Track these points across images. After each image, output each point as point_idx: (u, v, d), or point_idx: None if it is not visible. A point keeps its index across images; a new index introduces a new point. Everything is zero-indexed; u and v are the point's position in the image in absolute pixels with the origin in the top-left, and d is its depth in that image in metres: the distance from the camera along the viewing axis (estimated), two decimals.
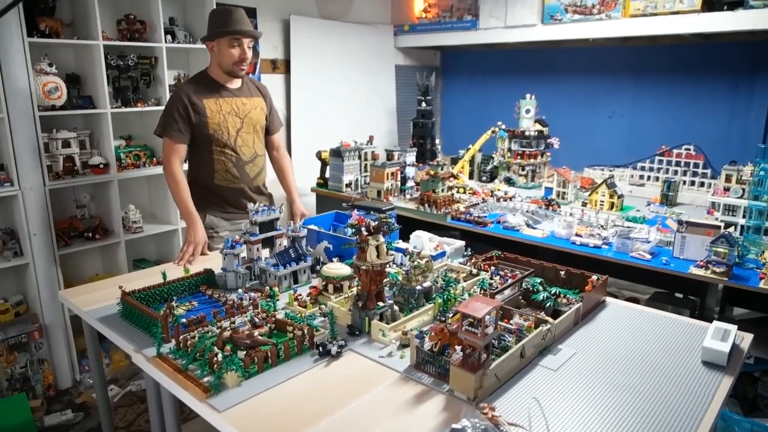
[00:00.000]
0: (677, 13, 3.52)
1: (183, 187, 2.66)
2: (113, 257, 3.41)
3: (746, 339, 1.78)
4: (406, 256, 2.16)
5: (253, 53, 4.00)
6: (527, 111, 4.11)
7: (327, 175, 4.01)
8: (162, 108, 3.38)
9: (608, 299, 2.11)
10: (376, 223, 1.80)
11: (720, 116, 3.91)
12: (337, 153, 3.80)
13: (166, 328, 1.76)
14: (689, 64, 4.01)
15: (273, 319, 1.83)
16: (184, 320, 1.81)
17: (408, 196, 3.71)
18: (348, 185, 3.84)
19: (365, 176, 3.90)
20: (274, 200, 3.10)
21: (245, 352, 1.62)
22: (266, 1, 4.19)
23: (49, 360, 3.09)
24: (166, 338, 1.75)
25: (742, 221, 2.87)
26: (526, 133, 4.05)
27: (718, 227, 2.51)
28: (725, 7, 3.39)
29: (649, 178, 4.02)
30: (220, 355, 1.56)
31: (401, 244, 2.50)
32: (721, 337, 1.67)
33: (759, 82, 3.72)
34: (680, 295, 3.38)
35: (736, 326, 1.74)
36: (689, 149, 3.82)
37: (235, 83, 2.81)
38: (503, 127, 4.17)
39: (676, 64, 4.07)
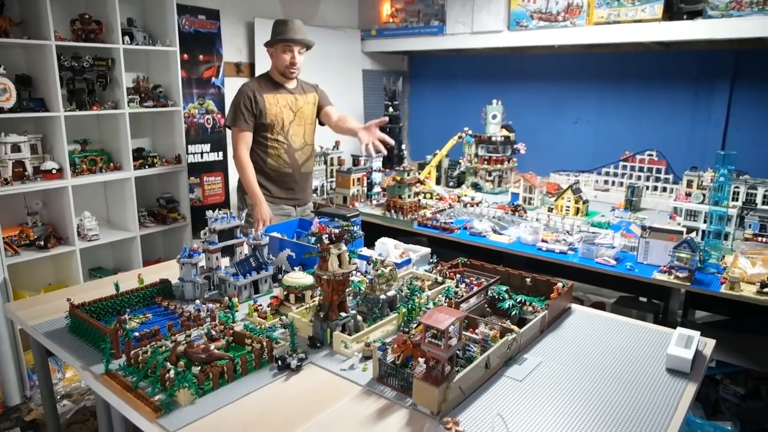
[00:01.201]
0: (639, 21, 3.57)
1: (249, 170, 3.09)
2: (67, 266, 3.26)
3: (708, 345, 1.78)
4: (369, 264, 2.11)
5: (217, 56, 3.94)
6: (494, 116, 4.12)
7: None
8: (121, 111, 3.32)
9: (574, 306, 2.10)
10: (338, 231, 1.75)
11: (681, 123, 3.98)
12: None
13: (116, 343, 1.67)
14: (651, 71, 4.07)
15: (231, 331, 1.76)
16: (136, 334, 1.73)
17: (375, 202, 3.66)
18: (314, 191, 3.77)
19: (331, 182, 3.84)
20: (312, 192, 3.49)
21: (200, 367, 1.54)
22: (230, 3, 4.10)
23: None
24: (116, 354, 1.66)
25: (703, 226, 2.91)
26: (493, 139, 4.05)
27: (681, 232, 2.54)
28: (685, 17, 3.45)
29: (613, 183, 4.06)
30: (172, 372, 1.48)
31: (366, 251, 2.45)
32: (684, 343, 1.67)
33: (718, 90, 3.79)
34: (645, 299, 3.41)
35: (698, 333, 1.74)
36: (652, 155, 3.87)
37: (292, 83, 3.25)
38: (470, 132, 4.16)
39: (639, 71, 4.13)
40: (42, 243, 3.10)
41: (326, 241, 1.72)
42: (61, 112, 3.04)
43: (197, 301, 2.01)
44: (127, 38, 3.31)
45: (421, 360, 1.44)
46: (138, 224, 3.48)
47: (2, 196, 2.93)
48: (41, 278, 3.32)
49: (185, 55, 3.78)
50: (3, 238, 2.94)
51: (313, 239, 1.78)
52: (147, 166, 3.53)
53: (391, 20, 5.09)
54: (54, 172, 3.08)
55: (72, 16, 3.16)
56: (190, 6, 3.80)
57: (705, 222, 2.89)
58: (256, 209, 3.05)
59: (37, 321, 1.97)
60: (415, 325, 1.71)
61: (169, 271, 2.32)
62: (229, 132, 3.45)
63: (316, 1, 4.84)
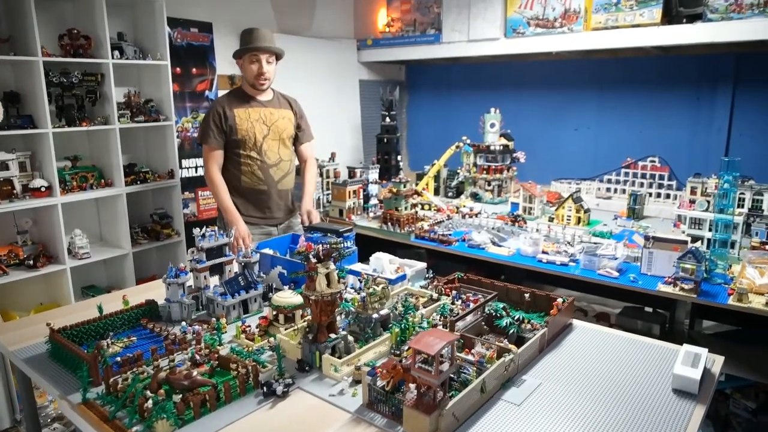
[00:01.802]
0: (638, 26, 3.50)
1: (222, 188, 2.96)
2: (59, 285, 3.20)
3: (717, 362, 1.70)
4: (360, 282, 2.03)
5: (210, 69, 3.90)
6: (492, 125, 4.05)
7: None
8: (111, 127, 3.27)
9: (575, 322, 2.02)
10: (326, 249, 1.68)
11: (683, 128, 3.91)
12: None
13: (95, 370, 1.59)
14: (651, 76, 4.00)
15: (216, 355, 1.68)
16: (118, 359, 1.66)
17: (371, 215, 3.59)
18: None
19: (327, 194, 3.77)
20: (294, 210, 3.27)
21: (181, 395, 1.47)
22: (223, 15, 4.05)
23: None
24: (94, 381, 1.59)
25: (708, 234, 2.83)
26: (492, 148, 3.99)
27: (685, 242, 2.46)
28: (684, 20, 3.39)
29: (615, 190, 3.99)
30: (150, 402, 1.41)
31: (360, 267, 2.37)
32: (691, 362, 1.59)
33: (720, 94, 3.72)
34: (650, 310, 3.33)
35: (706, 350, 1.65)
36: (654, 161, 3.80)
37: (266, 96, 3.10)
38: (468, 141, 4.10)
39: (639, 76, 4.06)
40: (31, 262, 3.04)
41: (313, 260, 1.65)
42: (49, 129, 2.99)
43: (183, 323, 1.94)
44: (117, 53, 3.26)
45: (412, 386, 1.36)
46: (131, 241, 3.41)
47: None
48: (32, 298, 3.26)
49: (177, 69, 3.73)
50: None
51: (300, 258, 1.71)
52: (139, 182, 3.47)
53: (387, 30, 5.05)
54: (43, 189, 3.03)
55: (60, 32, 3.11)
56: (182, 19, 3.76)
57: (710, 230, 2.81)
58: (235, 226, 2.89)
59: (18, 346, 1.89)
60: (407, 348, 1.63)
61: (159, 290, 2.24)
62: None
63: (311, 11, 4.80)
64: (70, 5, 3.26)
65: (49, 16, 3.13)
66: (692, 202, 3.00)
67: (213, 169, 2.96)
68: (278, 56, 3.05)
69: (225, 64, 4.14)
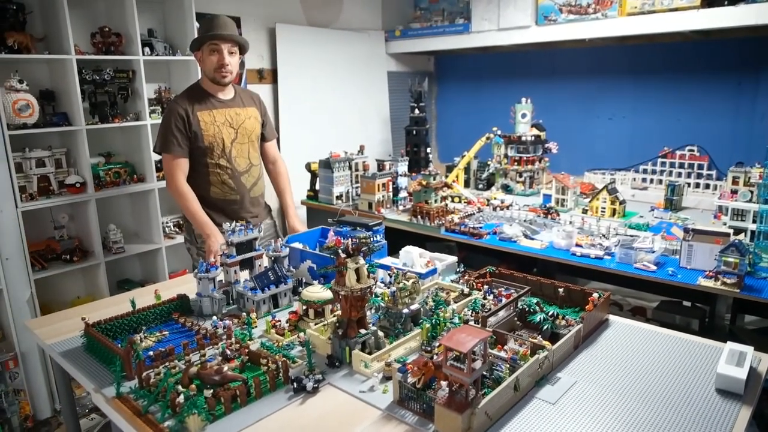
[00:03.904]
0: (675, 9, 3.37)
1: (191, 198, 2.64)
2: (94, 279, 3.27)
3: (764, 361, 1.63)
4: (390, 276, 2.01)
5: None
6: (523, 115, 3.97)
7: (317, 187, 3.87)
8: (143, 123, 3.30)
9: (611, 317, 1.96)
10: (356, 244, 1.66)
11: (724, 115, 3.76)
12: (327, 164, 3.66)
13: (128, 365, 1.61)
14: (690, 62, 3.86)
15: (246, 350, 1.68)
16: (151, 353, 1.67)
17: (401, 208, 3.56)
18: (339, 197, 3.70)
19: (356, 187, 3.76)
20: (272, 212, 3.07)
21: (212, 390, 1.47)
22: (251, 9, 4.06)
23: (26, 390, 2.94)
24: (128, 376, 1.60)
25: (752, 226, 2.71)
26: (523, 138, 3.91)
27: (728, 235, 2.36)
28: (726, 3, 3.24)
29: (651, 181, 3.87)
30: (182, 396, 1.41)
31: (390, 261, 2.35)
32: (736, 360, 1.52)
33: (763, 80, 3.56)
34: (688, 304, 3.22)
35: (752, 348, 1.58)
36: (693, 150, 3.67)
37: (228, 93, 2.78)
38: (498, 132, 4.02)
39: (677, 62, 3.92)
40: (68, 257, 3.11)
41: (343, 255, 1.63)
42: (83, 126, 3.04)
43: (214, 318, 1.95)
44: (147, 49, 3.30)
45: (444, 383, 1.33)
46: (162, 235, 3.46)
47: (28, 211, 2.94)
48: (70, 292, 3.34)
49: None
50: (30, 252, 2.95)
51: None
52: None
53: (415, 20, 4.99)
54: (78, 186, 3.09)
55: (92, 30, 3.17)
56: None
57: (754, 222, 2.69)
58: (208, 240, 2.59)
59: (55, 339, 1.93)
60: (438, 344, 1.60)
61: (190, 284, 2.26)
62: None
63: (339, 3, 4.77)
64: (102, 3, 3.31)
65: (82, 14, 3.18)
66: (734, 192, 2.88)
67: (179, 178, 2.64)
68: (242, 48, 2.74)
69: (253, 59, 4.16)
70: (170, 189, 2.68)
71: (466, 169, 4.17)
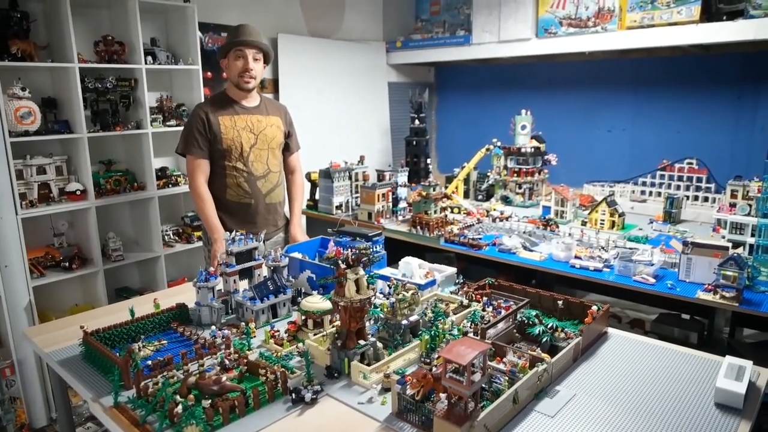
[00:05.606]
0: (675, 24, 3.40)
1: (207, 202, 2.74)
2: (93, 287, 3.26)
3: (763, 375, 1.63)
4: (389, 287, 2.01)
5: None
6: (523, 127, 3.99)
7: (317, 196, 3.87)
8: (144, 131, 3.31)
9: (610, 330, 1.96)
10: (355, 254, 1.66)
11: (723, 129, 3.78)
12: (327, 174, 3.67)
13: (126, 374, 1.61)
14: (689, 75, 3.88)
15: (245, 360, 1.68)
16: (149, 362, 1.67)
17: (400, 218, 3.56)
18: (338, 207, 3.70)
19: (356, 197, 3.76)
20: (281, 223, 3.08)
21: (210, 400, 1.47)
22: (253, 19, 4.07)
23: (22, 398, 2.93)
24: (126, 385, 1.60)
25: (751, 240, 2.71)
26: (523, 150, 3.92)
27: (726, 248, 2.36)
28: (725, 17, 3.27)
29: (651, 193, 3.88)
30: (180, 407, 1.41)
31: (389, 271, 2.35)
32: (735, 375, 1.52)
33: (763, 93, 3.58)
34: (687, 317, 3.22)
35: (751, 362, 1.58)
36: (692, 163, 3.68)
37: (253, 101, 2.87)
38: (498, 144, 4.04)
39: (676, 76, 3.94)
40: (67, 264, 3.10)
41: (342, 266, 1.63)
42: (84, 134, 3.06)
43: (213, 327, 1.94)
44: (149, 58, 3.32)
45: (443, 395, 1.33)
46: (162, 244, 3.46)
47: (29, 218, 2.95)
48: (68, 299, 3.33)
49: (209, 73, 3.77)
50: (29, 259, 2.95)
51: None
52: (171, 185, 3.52)
53: (416, 31, 5.02)
54: (78, 193, 3.09)
55: (95, 38, 3.18)
56: (212, 24, 3.81)
57: (752, 236, 2.70)
58: (215, 245, 2.66)
59: (53, 348, 1.92)
60: (437, 356, 1.60)
61: (189, 293, 2.26)
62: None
63: (341, 14, 4.81)
64: (105, 12, 3.34)
65: (85, 23, 3.20)
66: (733, 205, 2.90)
67: (200, 180, 2.74)
68: (266, 56, 2.83)
69: None
70: (190, 189, 2.80)
71: (466, 180, 4.18)
